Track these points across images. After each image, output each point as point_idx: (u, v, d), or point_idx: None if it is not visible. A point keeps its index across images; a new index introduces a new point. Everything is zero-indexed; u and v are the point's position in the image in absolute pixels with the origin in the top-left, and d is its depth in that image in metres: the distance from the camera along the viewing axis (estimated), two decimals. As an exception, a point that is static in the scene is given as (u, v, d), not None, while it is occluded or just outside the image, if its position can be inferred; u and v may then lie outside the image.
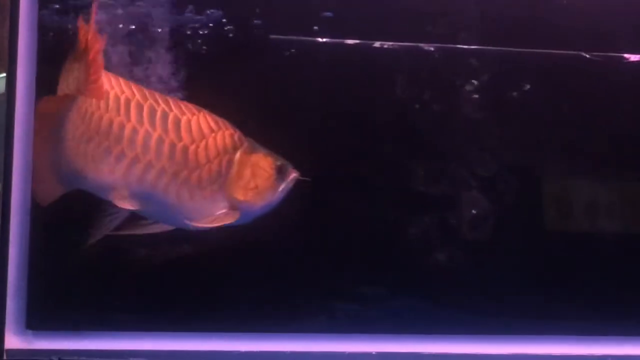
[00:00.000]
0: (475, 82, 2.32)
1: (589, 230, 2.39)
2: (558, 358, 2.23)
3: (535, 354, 2.23)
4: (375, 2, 2.29)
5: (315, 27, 2.26)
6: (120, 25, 2.14)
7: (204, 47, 2.19)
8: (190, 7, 2.19)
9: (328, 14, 2.27)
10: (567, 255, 2.34)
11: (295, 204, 2.13)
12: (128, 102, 1.96)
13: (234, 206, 2.04)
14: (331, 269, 2.25)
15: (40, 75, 2.08)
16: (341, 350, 2.17)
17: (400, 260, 2.28)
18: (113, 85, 1.98)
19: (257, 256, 2.20)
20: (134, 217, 2.05)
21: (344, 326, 2.22)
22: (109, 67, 2.03)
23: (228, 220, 2.04)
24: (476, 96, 2.32)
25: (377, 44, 2.29)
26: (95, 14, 1.97)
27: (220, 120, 2.05)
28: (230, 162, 2.03)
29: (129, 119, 1.96)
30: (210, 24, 2.20)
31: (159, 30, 2.16)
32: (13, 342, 2.08)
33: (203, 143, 2.00)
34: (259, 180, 2.04)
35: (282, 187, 2.07)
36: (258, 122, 2.14)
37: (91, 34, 1.93)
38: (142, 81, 2.09)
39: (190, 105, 2.04)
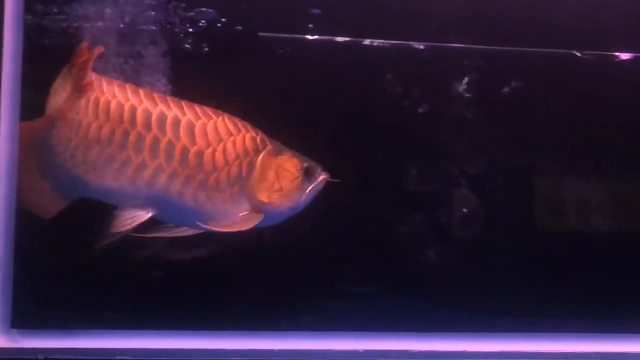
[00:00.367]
0: (465, 80, 2.31)
1: (580, 228, 2.40)
2: (549, 355, 2.23)
3: (525, 352, 2.23)
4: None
5: (310, 25, 2.27)
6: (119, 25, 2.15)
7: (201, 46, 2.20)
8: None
9: (316, 11, 2.27)
10: (558, 253, 2.34)
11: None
12: (133, 108, 1.97)
13: (257, 208, 2.04)
14: (319, 267, 2.25)
15: (25, 74, 2.09)
16: (328, 348, 2.18)
17: (390, 258, 2.29)
18: (116, 94, 1.98)
19: (246, 256, 2.20)
20: (156, 221, 2.04)
21: (331, 324, 2.22)
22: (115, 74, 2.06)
23: (252, 223, 2.03)
24: (467, 94, 2.31)
25: (366, 42, 2.29)
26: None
27: (241, 124, 2.05)
28: (251, 164, 2.03)
29: (133, 126, 1.96)
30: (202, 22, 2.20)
31: (152, 28, 2.17)
32: (-1, 341, 2.11)
33: (220, 146, 2.00)
34: (283, 182, 2.05)
35: (309, 188, 2.07)
36: (249, 120, 2.13)
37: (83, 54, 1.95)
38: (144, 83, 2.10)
39: (207, 109, 2.04)
